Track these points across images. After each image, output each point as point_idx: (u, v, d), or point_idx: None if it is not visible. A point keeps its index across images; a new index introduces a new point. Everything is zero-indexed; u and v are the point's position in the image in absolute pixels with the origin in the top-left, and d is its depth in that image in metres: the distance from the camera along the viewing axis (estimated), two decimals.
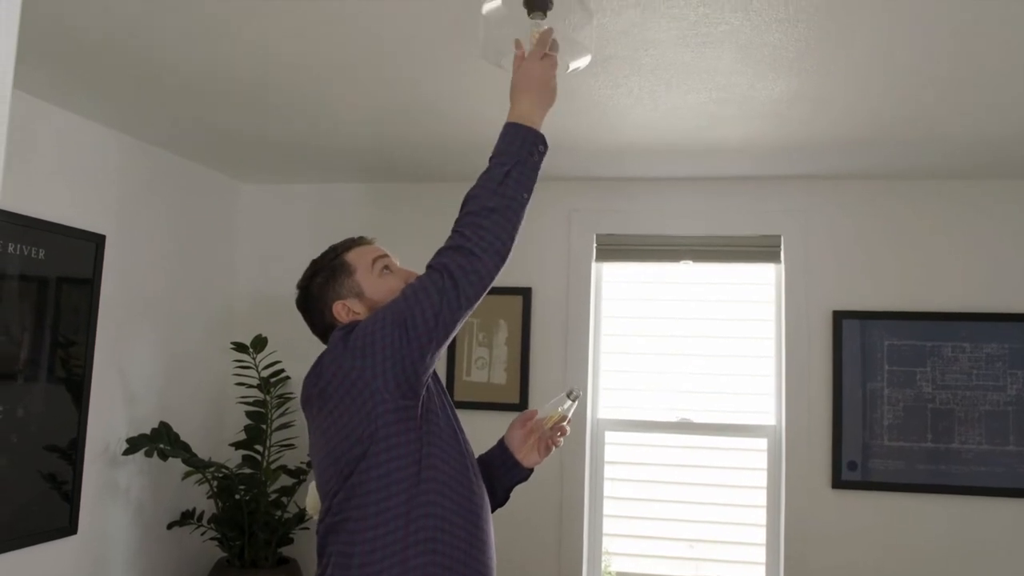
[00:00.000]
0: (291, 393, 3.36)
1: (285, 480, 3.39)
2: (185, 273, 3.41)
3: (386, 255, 1.70)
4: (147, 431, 3.05)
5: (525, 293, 3.51)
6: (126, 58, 2.26)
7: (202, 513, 3.26)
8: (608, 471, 3.48)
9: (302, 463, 3.33)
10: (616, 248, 3.51)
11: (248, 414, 3.32)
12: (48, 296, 2.69)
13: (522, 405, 3.43)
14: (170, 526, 3.20)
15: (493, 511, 1.74)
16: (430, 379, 1.56)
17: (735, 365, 3.43)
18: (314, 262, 1.71)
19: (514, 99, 1.56)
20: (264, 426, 3.29)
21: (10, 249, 2.54)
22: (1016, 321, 3.16)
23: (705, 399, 3.44)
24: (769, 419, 3.39)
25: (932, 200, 3.29)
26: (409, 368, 1.45)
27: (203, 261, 3.53)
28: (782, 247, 3.37)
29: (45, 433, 2.68)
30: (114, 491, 3.00)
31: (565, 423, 1.79)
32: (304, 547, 3.45)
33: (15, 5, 0.82)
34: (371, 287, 1.64)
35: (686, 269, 3.50)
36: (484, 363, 3.52)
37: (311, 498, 1.81)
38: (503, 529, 3.34)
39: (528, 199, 1.51)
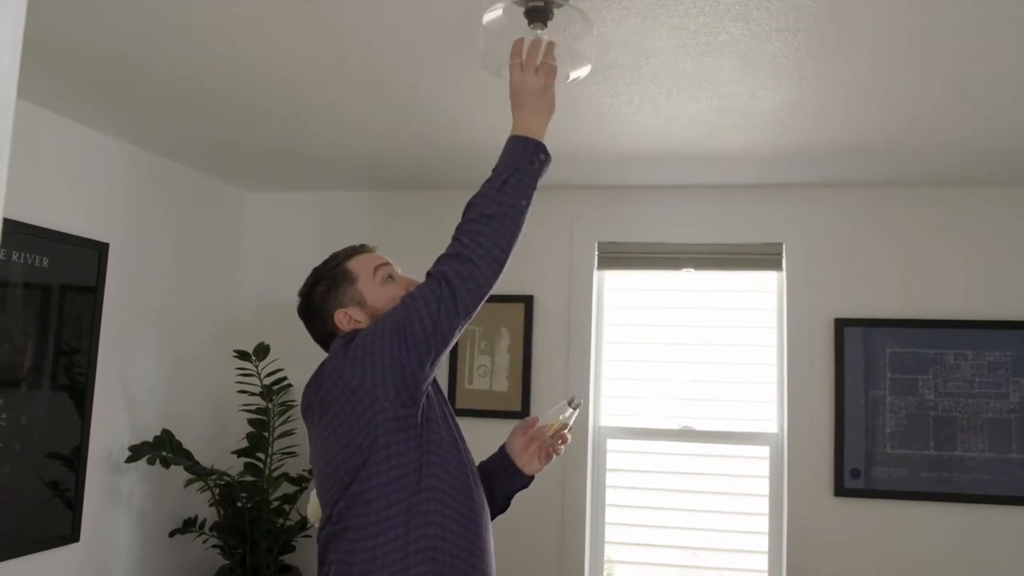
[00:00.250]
0: (293, 401, 3.36)
1: (287, 488, 3.39)
2: (188, 281, 3.42)
3: (388, 263, 1.70)
4: (149, 439, 3.06)
5: (527, 301, 3.51)
6: (131, 69, 2.28)
7: (204, 521, 3.26)
8: (610, 479, 3.48)
9: (304, 471, 3.33)
10: (618, 256, 3.52)
11: (250, 422, 3.32)
12: (52, 304, 2.70)
13: (524, 413, 3.43)
14: (172, 534, 3.20)
15: (493, 518, 1.74)
16: (430, 387, 1.56)
17: (737, 373, 3.43)
18: (315, 270, 1.71)
19: (514, 113, 1.58)
20: (266, 434, 3.30)
21: (14, 257, 2.55)
22: (1018, 329, 3.16)
23: (707, 407, 3.44)
24: (771, 427, 3.39)
25: (933, 207, 3.29)
26: (409, 376, 1.46)
27: (206, 269, 3.54)
28: (784, 255, 3.38)
29: (48, 440, 2.68)
30: (116, 498, 3.00)
31: (566, 431, 1.79)
32: (306, 555, 3.45)
33: (20, 16, 0.83)
34: (373, 295, 1.64)
35: (688, 277, 3.51)
36: (486, 371, 3.52)
37: (312, 506, 1.81)
38: (505, 537, 3.33)
39: (527, 206, 1.52)
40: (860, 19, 1.83)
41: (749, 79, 2.21)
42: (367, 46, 2.08)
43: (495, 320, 3.52)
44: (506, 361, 3.51)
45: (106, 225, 2.94)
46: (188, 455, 3.08)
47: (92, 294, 2.86)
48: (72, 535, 2.78)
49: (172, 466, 3.06)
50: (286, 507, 3.28)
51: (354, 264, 1.68)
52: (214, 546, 3.25)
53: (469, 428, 3.22)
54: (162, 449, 3.00)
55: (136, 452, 2.93)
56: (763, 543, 3.34)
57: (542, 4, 1.59)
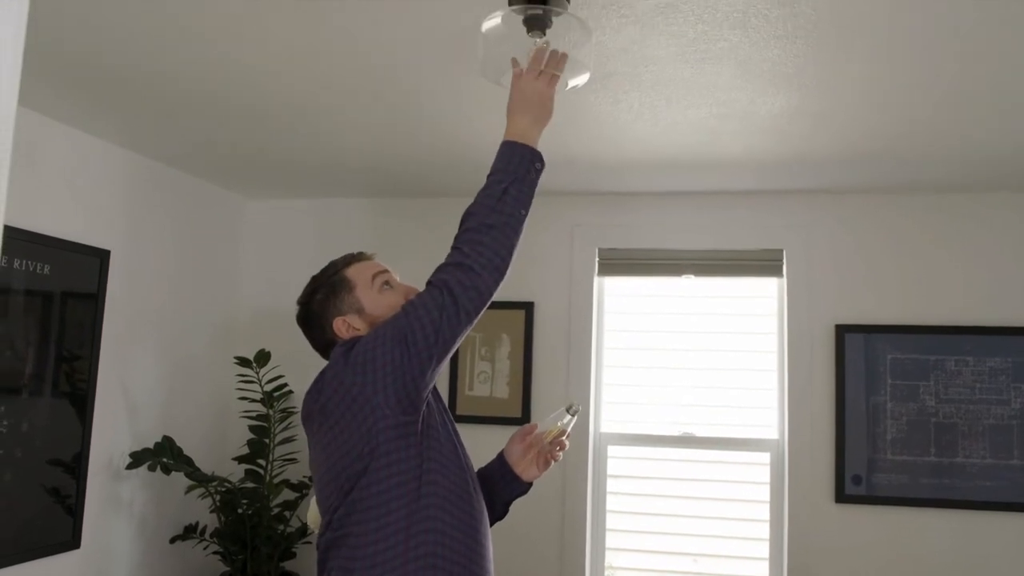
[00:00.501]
0: (294, 407, 3.36)
1: (288, 494, 3.39)
2: (189, 288, 3.42)
3: (386, 270, 1.70)
4: (150, 445, 3.06)
5: (527, 307, 3.52)
6: (131, 76, 2.29)
7: (205, 527, 3.26)
8: (611, 485, 3.47)
9: (305, 477, 3.33)
10: (618, 262, 3.52)
11: (251, 428, 3.33)
12: (53, 311, 2.71)
13: (524, 419, 3.43)
14: (173, 540, 3.20)
15: (492, 525, 1.74)
16: (430, 394, 1.57)
17: (738, 379, 3.43)
18: (314, 278, 1.71)
19: (510, 117, 1.58)
20: (267, 440, 3.30)
21: (15, 264, 2.56)
22: (1019, 335, 3.15)
23: (708, 413, 3.44)
24: (772, 433, 3.38)
25: (934, 213, 3.29)
26: (410, 384, 1.46)
27: (207, 276, 3.55)
28: (784, 261, 3.38)
29: (49, 447, 2.69)
30: (117, 505, 3.00)
31: (564, 437, 1.79)
32: (306, 561, 3.45)
33: (21, 23, 0.83)
34: (371, 303, 1.65)
35: (688, 283, 3.51)
36: (486, 377, 3.52)
37: (312, 512, 1.81)
38: (506, 543, 3.33)
39: (526, 215, 1.53)
40: (858, 26, 1.84)
41: (748, 86, 2.22)
42: (367, 53, 2.08)
43: (496, 326, 3.52)
44: (507, 368, 3.51)
45: (107, 232, 2.95)
46: (189, 461, 3.08)
47: (93, 301, 2.87)
48: (73, 542, 2.78)
49: (173, 472, 3.06)
50: (287, 514, 3.28)
51: (352, 272, 1.68)
52: (215, 553, 3.25)
53: (469, 435, 3.23)
54: (163, 456, 3.00)
55: (137, 459, 2.93)
56: (764, 549, 3.33)
57: (541, 12, 1.60)
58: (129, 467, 2.93)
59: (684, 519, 3.39)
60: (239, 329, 3.74)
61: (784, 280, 3.38)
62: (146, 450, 2.98)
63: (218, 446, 3.60)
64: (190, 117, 2.64)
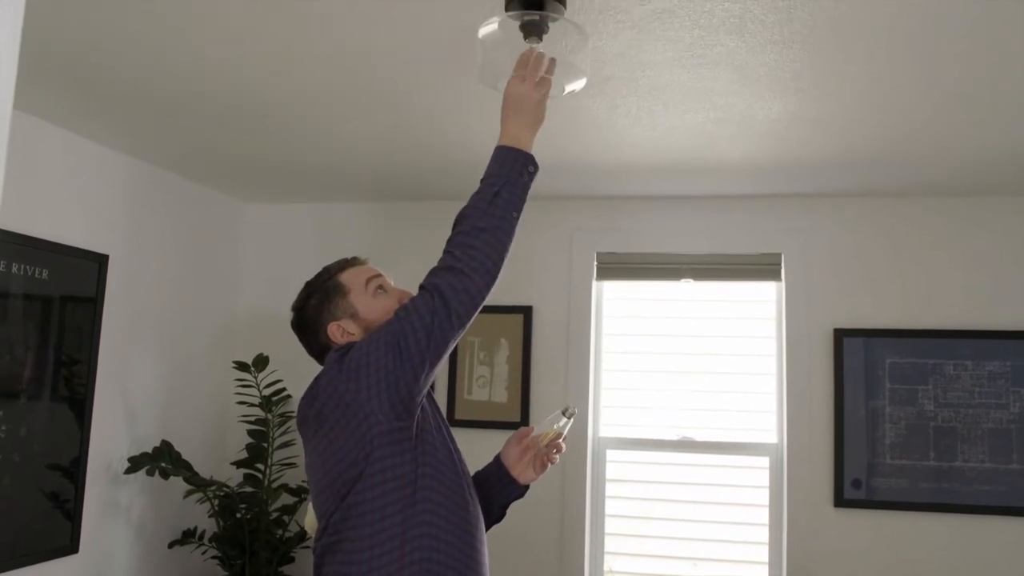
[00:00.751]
0: (292, 412, 3.36)
1: (286, 499, 3.39)
2: (188, 292, 3.42)
3: (380, 275, 1.71)
4: (149, 450, 3.06)
5: (526, 311, 3.52)
6: (130, 81, 2.29)
7: (203, 532, 3.26)
8: (610, 489, 3.47)
9: (303, 482, 3.33)
10: (617, 266, 3.53)
11: (250, 433, 3.33)
12: (51, 315, 2.71)
13: (523, 423, 3.43)
14: (171, 545, 3.20)
15: (489, 528, 1.74)
16: (424, 399, 1.57)
17: (736, 383, 3.43)
18: (308, 284, 1.72)
19: (503, 122, 1.58)
20: (265, 445, 3.30)
21: (14, 269, 2.56)
22: (1018, 338, 3.15)
23: (706, 417, 3.44)
24: (771, 437, 3.38)
25: (932, 217, 3.29)
26: (403, 389, 1.46)
27: (206, 280, 3.55)
28: (782, 265, 3.38)
29: (48, 452, 2.69)
30: (115, 510, 3.00)
31: (561, 440, 1.80)
32: (305, 566, 3.44)
33: (16, 26, 0.84)
34: (365, 307, 1.65)
35: (687, 287, 3.51)
36: (485, 382, 3.52)
37: (310, 518, 1.81)
38: (505, 547, 3.33)
39: (518, 218, 1.53)
40: (855, 31, 1.84)
41: (746, 91, 2.22)
42: (366, 58, 2.09)
43: (494, 331, 3.52)
44: (505, 372, 3.51)
45: (106, 237, 2.96)
46: (187, 466, 3.08)
47: (92, 305, 2.87)
48: (71, 546, 2.78)
49: (171, 477, 3.06)
50: (285, 518, 3.28)
51: (346, 277, 1.69)
52: (213, 557, 3.25)
53: (468, 439, 3.23)
54: (161, 460, 3.00)
55: (135, 463, 2.93)
56: (763, 554, 3.33)
57: (537, 18, 1.61)
58: (128, 472, 2.93)
59: (683, 523, 3.39)
60: (238, 334, 3.74)
61: (783, 284, 3.38)
62: (144, 455, 2.98)
63: (217, 451, 3.60)
64: (188, 121, 2.65)
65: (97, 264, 2.89)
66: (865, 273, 3.31)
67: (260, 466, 3.30)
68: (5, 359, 2.54)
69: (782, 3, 1.72)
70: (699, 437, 3.43)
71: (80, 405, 2.82)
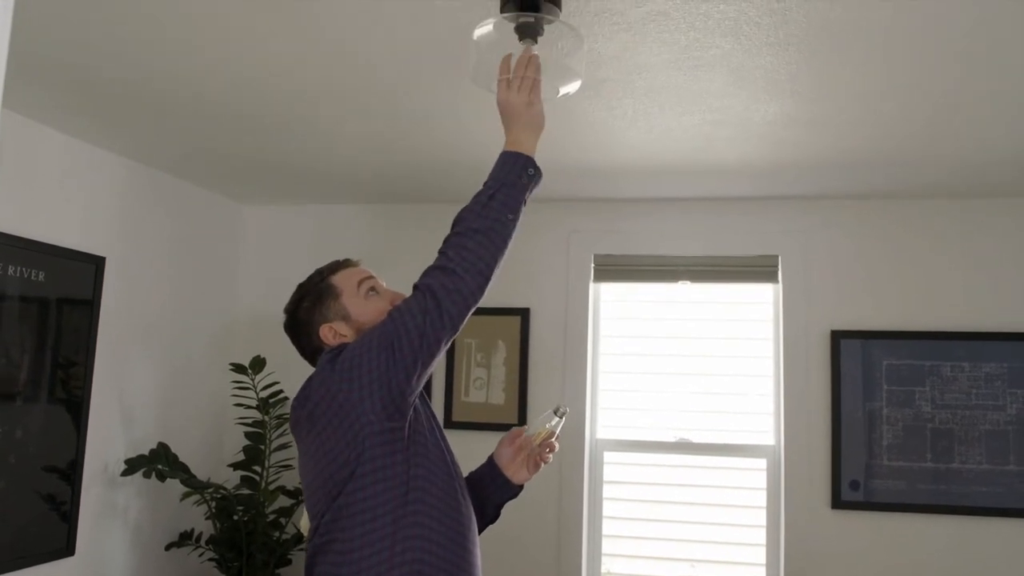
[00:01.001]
0: (289, 414, 3.36)
1: (283, 501, 3.39)
2: (185, 295, 3.42)
3: (371, 276, 1.71)
4: (145, 452, 3.06)
5: (523, 313, 3.52)
6: (128, 83, 2.29)
7: (200, 534, 3.25)
8: (607, 491, 3.47)
9: (300, 484, 3.32)
10: (614, 268, 3.53)
11: (247, 435, 3.32)
12: (48, 318, 2.71)
13: (520, 425, 3.42)
14: (168, 547, 3.20)
15: (484, 529, 1.74)
16: (417, 399, 1.57)
17: (734, 385, 3.43)
18: (300, 286, 1.72)
19: (505, 129, 1.60)
20: (263, 447, 3.30)
21: (10, 271, 2.56)
22: (1015, 340, 3.15)
23: (704, 419, 3.44)
24: (768, 439, 3.38)
25: (929, 219, 3.30)
26: (396, 390, 1.47)
27: (203, 282, 3.55)
28: (780, 267, 3.38)
29: (44, 454, 2.68)
30: (112, 512, 3.00)
31: (553, 439, 1.80)
32: (302, 568, 3.43)
33: (4, 30, 0.83)
34: (357, 309, 1.65)
35: (684, 289, 3.51)
36: (482, 383, 3.52)
37: (305, 519, 1.82)
38: (501, 548, 3.33)
39: (514, 220, 1.53)
40: (851, 33, 1.84)
41: (742, 93, 2.22)
42: (365, 60, 2.09)
43: (491, 332, 3.52)
44: (502, 373, 3.51)
45: (102, 239, 2.95)
46: (184, 468, 3.07)
47: (88, 307, 2.87)
48: (67, 549, 2.77)
49: (168, 479, 3.05)
50: (282, 520, 3.28)
51: (338, 279, 1.69)
52: (210, 559, 3.24)
53: (465, 440, 3.23)
54: (158, 462, 3.00)
55: (132, 465, 2.93)
56: (761, 555, 3.33)
57: (532, 20, 1.61)
58: (124, 474, 2.93)
59: (680, 525, 3.39)
60: (236, 335, 3.74)
61: (780, 286, 3.39)
62: (141, 457, 2.98)
63: (214, 453, 3.60)
64: (186, 123, 2.65)
65: (94, 266, 2.89)
66: (862, 275, 3.32)
67: (257, 468, 3.29)
68: (1, 361, 2.53)
69: (777, 5, 1.72)
70: (696, 439, 3.43)
71: (77, 407, 2.82)
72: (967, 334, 3.19)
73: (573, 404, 3.40)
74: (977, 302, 3.22)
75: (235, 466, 3.32)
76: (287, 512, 3.28)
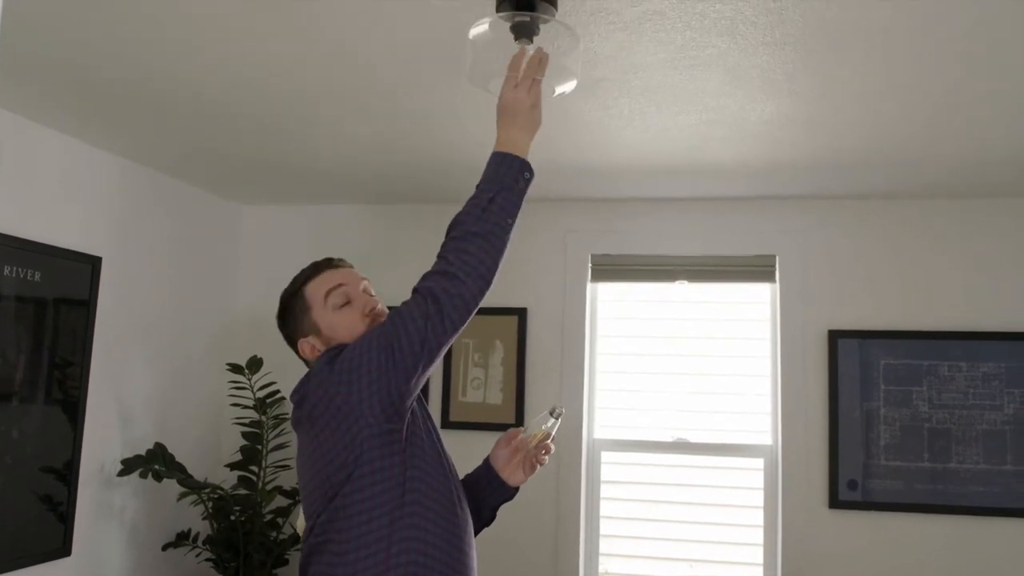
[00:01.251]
0: (286, 414, 3.35)
1: (280, 501, 3.39)
2: (182, 294, 3.42)
3: (341, 284, 1.66)
4: (142, 452, 3.05)
5: (521, 313, 3.51)
6: (125, 83, 2.29)
7: (197, 534, 3.25)
8: (605, 491, 3.47)
9: (297, 484, 3.32)
10: (611, 268, 3.52)
11: (244, 435, 3.32)
12: (44, 318, 2.70)
13: (517, 425, 3.40)
14: (165, 547, 3.19)
15: (480, 530, 1.74)
16: (414, 401, 1.56)
17: (731, 385, 3.43)
18: (282, 296, 1.72)
19: (499, 127, 1.57)
20: (260, 447, 3.29)
21: (6, 271, 2.55)
22: (1012, 340, 3.16)
23: (702, 418, 3.44)
24: (766, 439, 3.38)
25: (926, 219, 3.30)
26: (394, 393, 1.46)
27: (201, 282, 3.55)
28: (777, 267, 3.38)
29: (40, 454, 2.68)
30: (109, 512, 3.00)
31: (549, 441, 1.79)
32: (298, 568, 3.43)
33: None
34: (327, 324, 1.64)
35: (681, 289, 3.51)
36: (480, 383, 3.52)
37: (301, 519, 1.81)
38: (500, 549, 3.33)
39: (512, 224, 1.52)
40: (847, 33, 1.84)
41: (738, 92, 2.22)
42: (365, 60, 2.09)
43: (489, 332, 3.52)
44: (500, 374, 3.51)
45: (99, 239, 2.95)
46: (181, 468, 3.07)
47: (85, 308, 2.87)
48: (64, 549, 2.77)
49: (165, 479, 3.05)
50: (279, 520, 3.28)
51: (310, 289, 1.67)
52: (207, 560, 3.24)
53: (463, 441, 3.22)
54: (155, 462, 2.99)
55: (129, 465, 2.93)
56: (759, 555, 3.33)
57: (528, 19, 1.60)
58: (121, 474, 2.92)
59: (678, 525, 3.39)
60: (233, 336, 3.74)
61: (777, 286, 3.39)
62: (138, 457, 2.97)
63: (211, 453, 3.59)
64: (185, 124, 2.64)
65: (90, 266, 2.88)
66: (860, 275, 3.32)
67: (254, 468, 3.29)
68: None
69: (773, 4, 1.72)
70: (694, 438, 3.43)
71: (73, 407, 2.81)
72: (964, 334, 3.19)
73: (570, 404, 3.40)
74: (975, 302, 3.22)
75: (232, 466, 3.31)
76: (284, 512, 3.28)
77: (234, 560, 3.18)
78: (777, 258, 3.38)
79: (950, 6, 1.71)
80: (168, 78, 2.25)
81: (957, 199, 3.27)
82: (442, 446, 1.61)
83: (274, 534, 3.25)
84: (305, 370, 1.63)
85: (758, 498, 3.35)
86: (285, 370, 3.40)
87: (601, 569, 3.44)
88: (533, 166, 1.57)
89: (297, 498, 3.30)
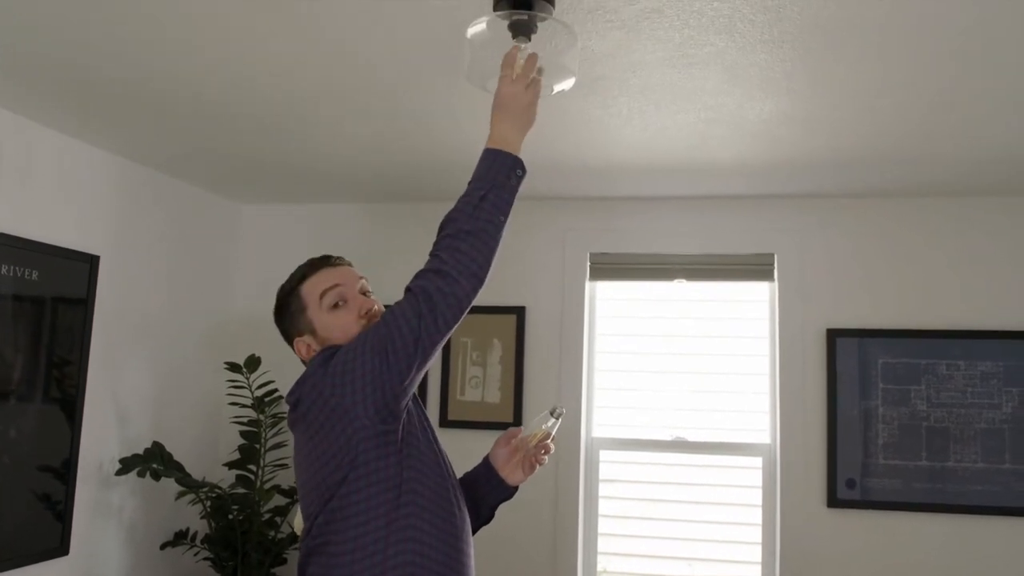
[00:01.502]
0: (284, 413, 3.34)
1: (279, 500, 3.38)
2: (180, 293, 3.41)
3: (336, 285, 1.65)
4: (140, 451, 3.04)
5: (519, 312, 3.51)
6: (123, 82, 2.28)
7: (195, 533, 3.25)
8: (603, 489, 3.47)
9: (296, 482, 3.32)
10: (610, 267, 3.52)
11: (242, 434, 3.32)
12: (42, 316, 2.70)
13: (516, 424, 3.43)
14: (163, 546, 3.19)
15: (478, 529, 1.74)
16: (410, 401, 1.56)
17: (729, 383, 3.43)
18: (278, 293, 1.71)
19: (493, 123, 1.56)
20: (258, 446, 3.29)
21: (4, 270, 2.55)
22: (1010, 339, 3.16)
23: (700, 417, 3.44)
24: (764, 437, 3.38)
25: (926, 218, 3.30)
26: (389, 393, 1.45)
27: (199, 281, 3.54)
28: (775, 265, 3.38)
29: (38, 453, 2.68)
30: (107, 511, 2.99)
31: (549, 440, 1.79)
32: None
33: None
34: (321, 325, 1.63)
35: (680, 287, 3.51)
36: (478, 382, 3.52)
37: (298, 519, 1.81)
38: (497, 547, 3.33)
39: (505, 222, 1.51)
40: (845, 31, 1.84)
41: (737, 91, 2.22)
42: (365, 60, 2.08)
43: (487, 331, 3.52)
44: (498, 372, 3.50)
45: (97, 237, 2.95)
46: (179, 467, 3.07)
47: (83, 306, 2.86)
48: (62, 548, 2.77)
49: (163, 478, 3.05)
50: (278, 519, 3.27)
51: (306, 288, 1.66)
52: (205, 559, 3.24)
53: (461, 439, 3.22)
54: (153, 461, 2.99)
55: (127, 464, 2.92)
56: (757, 554, 3.33)
57: (526, 18, 1.60)
58: (119, 473, 2.92)
59: (676, 523, 3.39)
60: (231, 334, 3.73)
61: (776, 284, 3.38)
62: (136, 456, 2.97)
63: (209, 452, 3.59)
64: (185, 123, 2.64)
65: (88, 265, 2.88)
66: (858, 273, 3.32)
67: (252, 467, 3.29)
68: None
69: (771, 3, 1.72)
70: (692, 437, 3.43)
71: (71, 406, 2.81)
72: (963, 332, 3.19)
73: (569, 403, 3.40)
74: (973, 300, 3.22)
75: (230, 465, 3.31)
76: (282, 511, 3.27)
77: (232, 559, 3.18)
78: (775, 257, 3.38)
79: (946, 5, 1.71)
80: (168, 78, 2.25)
81: (955, 197, 3.27)
82: (439, 445, 1.61)
83: (272, 533, 3.25)
84: (303, 369, 1.63)
85: (756, 497, 3.35)
86: (283, 369, 3.39)
87: (599, 567, 3.44)
88: (528, 164, 1.57)
89: (295, 497, 3.29)
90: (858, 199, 3.34)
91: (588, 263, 3.52)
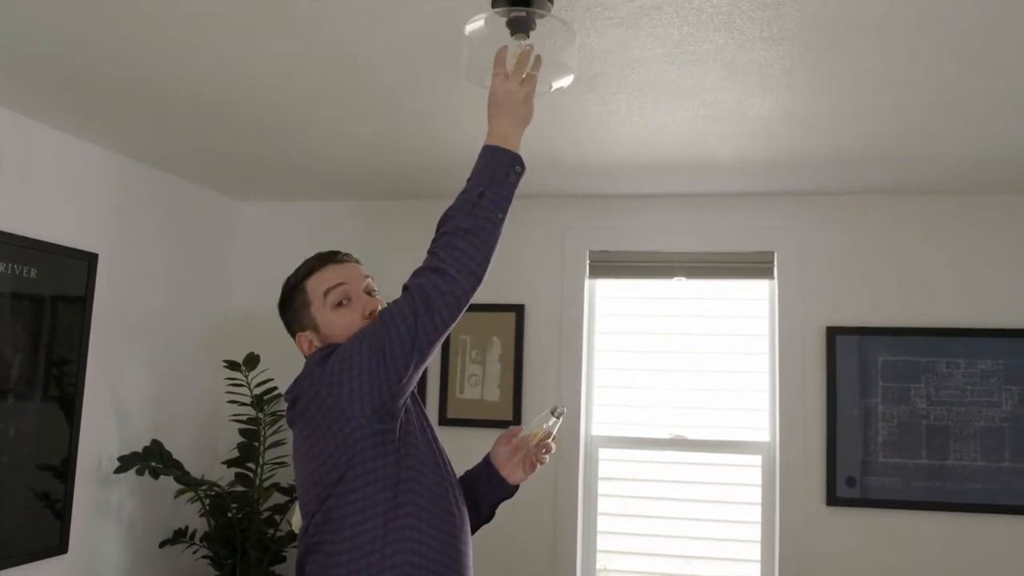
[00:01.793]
0: (283, 411, 3.34)
1: (278, 498, 3.38)
2: (179, 291, 3.41)
3: (341, 283, 1.64)
4: (139, 449, 3.04)
5: (518, 310, 3.51)
6: (122, 81, 2.28)
7: (194, 532, 3.25)
8: (602, 487, 3.47)
9: (295, 481, 3.31)
10: (609, 265, 3.52)
11: (241, 432, 3.31)
12: (41, 315, 2.69)
13: (515, 422, 3.43)
14: (162, 545, 3.19)
15: (478, 528, 1.73)
16: (408, 399, 1.55)
17: (729, 381, 3.43)
18: (284, 284, 1.70)
19: (491, 120, 1.55)
20: (257, 444, 3.29)
21: (2, 268, 2.55)
22: (1010, 337, 3.15)
23: (699, 415, 3.43)
24: (763, 435, 3.38)
25: (925, 215, 3.29)
26: (386, 393, 1.45)
27: (197, 279, 3.54)
28: (775, 263, 3.38)
29: (37, 452, 2.67)
30: (106, 509, 2.99)
31: (550, 440, 1.79)
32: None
33: None
34: (325, 322, 1.62)
35: (679, 285, 3.50)
36: (477, 380, 3.51)
37: (296, 517, 1.81)
38: (496, 545, 3.33)
39: (503, 219, 1.50)
40: (845, 28, 1.84)
41: (736, 88, 2.21)
42: (365, 60, 2.08)
43: (486, 329, 3.51)
44: (497, 370, 3.50)
45: (95, 235, 2.94)
46: (178, 465, 3.06)
47: (81, 304, 2.86)
48: (61, 546, 2.76)
49: (162, 476, 3.04)
50: (277, 517, 3.27)
51: (311, 284, 1.65)
52: (204, 557, 3.24)
53: (460, 438, 3.22)
54: (152, 460, 2.98)
55: (125, 463, 2.92)
56: (756, 552, 3.32)
57: (524, 14, 1.60)
58: (118, 471, 2.92)
59: (676, 521, 3.39)
60: (230, 332, 3.73)
61: (775, 282, 3.38)
62: (135, 454, 2.97)
63: (208, 450, 3.59)
64: (185, 123, 2.64)
65: (86, 263, 2.87)
66: (858, 271, 3.31)
67: (251, 465, 3.29)
68: None
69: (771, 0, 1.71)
70: (692, 435, 3.43)
71: (70, 405, 2.81)
72: (963, 330, 3.19)
73: (568, 401, 3.40)
74: (973, 299, 3.22)
75: (229, 463, 3.31)
76: (281, 509, 3.27)
77: (231, 557, 3.18)
78: (775, 254, 3.38)
79: (946, 4, 1.70)
80: (168, 78, 2.24)
81: (955, 195, 3.27)
82: (438, 444, 1.60)
83: (271, 531, 3.25)
84: (302, 367, 1.63)
85: (756, 495, 3.35)
86: (282, 367, 3.39)
87: (599, 565, 3.44)
88: (527, 161, 1.56)
89: (294, 495, 3.29)
90: (858, 196, 3.33)
91: (587, 261, 3.52)
